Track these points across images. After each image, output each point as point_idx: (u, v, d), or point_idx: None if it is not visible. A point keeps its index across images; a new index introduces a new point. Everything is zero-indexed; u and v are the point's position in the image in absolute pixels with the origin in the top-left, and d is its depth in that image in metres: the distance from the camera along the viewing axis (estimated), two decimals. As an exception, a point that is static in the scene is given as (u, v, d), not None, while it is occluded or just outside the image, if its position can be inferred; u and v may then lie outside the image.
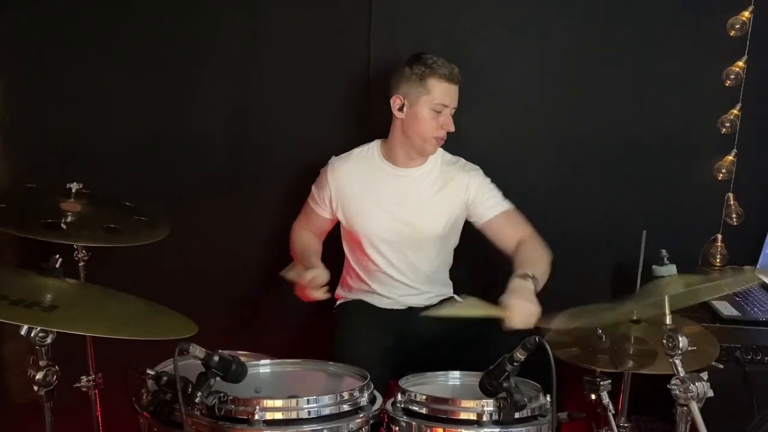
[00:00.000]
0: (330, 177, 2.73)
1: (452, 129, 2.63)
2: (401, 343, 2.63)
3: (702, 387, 1.77)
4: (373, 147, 2.77)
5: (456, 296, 2.86)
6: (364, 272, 2.75)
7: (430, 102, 2.60)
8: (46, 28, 2.97)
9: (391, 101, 2.66)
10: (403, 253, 2.71)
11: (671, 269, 1.88)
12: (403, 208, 2.69)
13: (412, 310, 2.73)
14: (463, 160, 2.80)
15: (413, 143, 2.66)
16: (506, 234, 2.70)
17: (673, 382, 1.78)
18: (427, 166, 2.73)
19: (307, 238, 2.81)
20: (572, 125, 3.06)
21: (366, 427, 1.93)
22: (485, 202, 2.73)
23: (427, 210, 2.71)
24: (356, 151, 2.78)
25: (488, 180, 2.76)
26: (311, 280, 2.47)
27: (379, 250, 2.70)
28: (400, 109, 2.65)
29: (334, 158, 2.78)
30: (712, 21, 2.95)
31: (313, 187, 2.80)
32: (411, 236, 2.70)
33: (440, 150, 2.75)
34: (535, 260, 2.53)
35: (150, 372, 1.95)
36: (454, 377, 2.22)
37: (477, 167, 2.79)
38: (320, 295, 2.48)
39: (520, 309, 2.27)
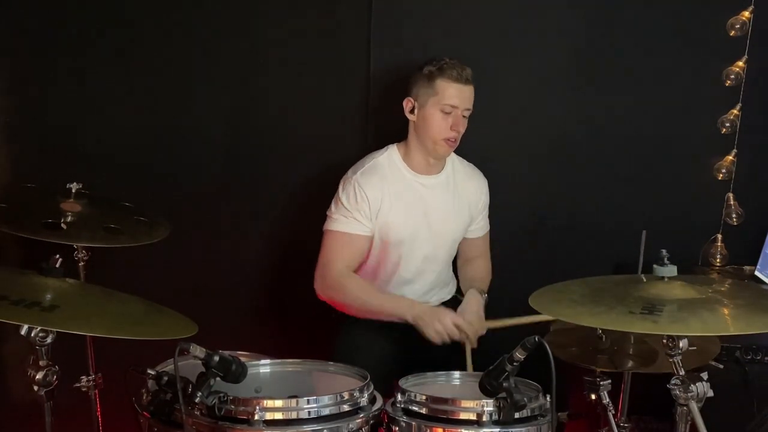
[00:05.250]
0: (366, 189, 2.58)
1: (461, 129, 2.60)
2: (403, 343, 2.63)
3: (702, 387, 1.77)
4: (392, 153, 2.69)
5: (458, 296, 2.86)
6: (380, 278, 2.71)
7: (439, 103, 2.56)
8: (46, 28, 2.97)
9: (404, 104, 2.64)
10: (425, 257, 2.70)
11: (672, 269, 1.87)
12: (429, 215, 2.67)
13: None
14: (473, 165, 2.82)
15: (425, 146, 2.63)
16: (474, 250, 2.85)
17: (673, 382, 1.78)
18: (444, 173, 2.72)
19: (365, 281, 2.65)
20: (572, 125, 3.06)
21: (366, 427, 1.93)
22: (481, 220, 2.82)
23: (450, 216, 2.71)
24: (377, 159, 2.67)
25: (488, 193, 2.83)
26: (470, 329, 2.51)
27: (404, 257, 2.67)
28: (411, 111, 2.63)
29: (356, 174, 2.62)
30: (712, 21, 2.95)
31: (342, 214, 2.59)
32: (435, 242, 2.70)
33: (453, 155, 2.74)
34: (485, 280, 2.81)
35: (150, 372, 1.95)
36: (454, 377, 2.22)
37: (484, 176, 2.82)
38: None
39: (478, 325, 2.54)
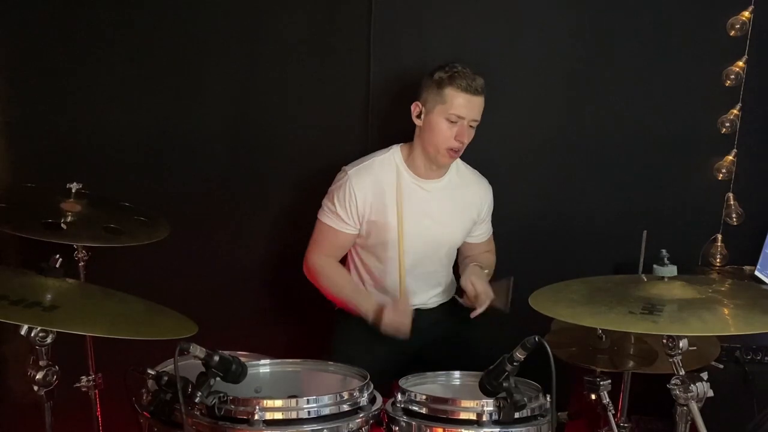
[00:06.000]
0: (356, 189, 2.59)
1: (465, 140, 2.57)
2: (402, 343, 2.63)
3: (702, 387, 1.77)
4: (395, 154, 2.68)
5: (457, 297, 2.86)
6: (376, 278, 2.72)
7: (445, 111, 2.53)
8: (46, 28, 2.97)
9: (411, 107, 2.62)
10: (421, 261, 2.69)
11: (672, 269, 1.87)
12: (428, 219, 2.66)
13: (416, 311, 2.72)
14: (477, 171, 2.81)
15: (428, 153, 2.62)
16: (477, 251, 2.84)
17: (673, 382, 1.78)
18: (446, 177, 2.70)
19: (342, 273, 2.70)
20: (573, 126, 3.06)
21: (366, 427, 1.93)
22: (483, 226, 2.82)
23: (450, 221, 2.70)
24: (376, 159, 2.67)
25: (492, 199, 2.83)
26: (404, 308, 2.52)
27: (398, 259, 2.66)
28: (418, 116, 2.61)
29: (351, 170, 2.63)
30: (712, 21, 2.95)
31: (331, 208, 2.64)
32: (432, 246, 2.70)
33: (458, 159, 2.72)
34: (490, 266, 2.82)
35: (150, 372, 1.94)
36: (454, 377, 2.22)
37: (489, 183, 2.81)
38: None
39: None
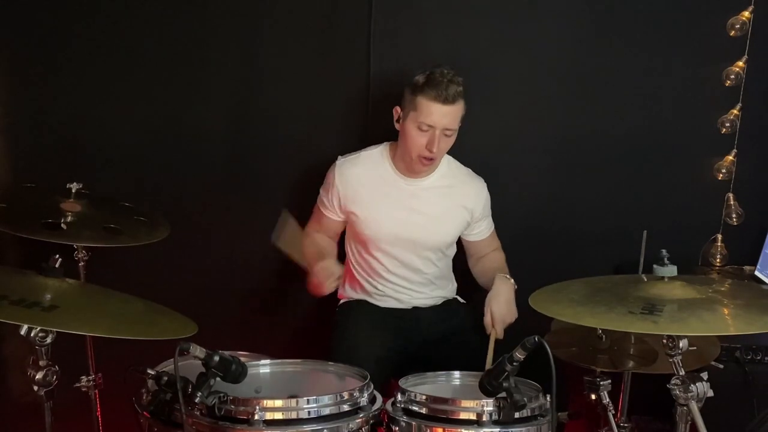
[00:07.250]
0: (337, 179, 2.64)
1: (434, 149, 2.51)
2: (402, 342, 2.63)
3: (702, 387, 1.78)
4: (382, 151, 2.70)
5: (458, 297, 2.86)
6: (367, 273, 2.72)
7: (416, 120, 2.51)
8: (46, 28, 2.97)
9: (393, 111, 2.62)
10: (409, 258, 2.69)
11: (672, 269, 1.88)
12: (413, 217, 2.65)
13: (416, 310, 2.73)
14: (470, 170, 2.79)
15: (404, 158, 2.62)
16: (486, 249, 2.82)
17: (673, 382, 1.78)
18: (435, 176, 2.69)
19: (317, 237, 2.72)
20: (573, 125, 3.06)
21: (366, 427, 1.93)
22: (482, 223, 2.79)
23: (436, 221, 2.68)
24: (364, 153, 2.70)
25: (489, 196, 2.80)
26: (321, 269, 2.46)
27: (385, 254, 2.67)
28: (397, 120, 2.61)
29: (341, 159, 2.69)
30: (712, 21, 2.95)
31: (321, 190, 2.73)
32: (419, 243, 2.68)
33: (449, 158, 2.72)
34: (505, 268, 2.74)
35: (150, 372, 1.95)
36: (454, 377, 2.22)
37: (483, 181, 2.79)
38: (331, 285, 2.48)
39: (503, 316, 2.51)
